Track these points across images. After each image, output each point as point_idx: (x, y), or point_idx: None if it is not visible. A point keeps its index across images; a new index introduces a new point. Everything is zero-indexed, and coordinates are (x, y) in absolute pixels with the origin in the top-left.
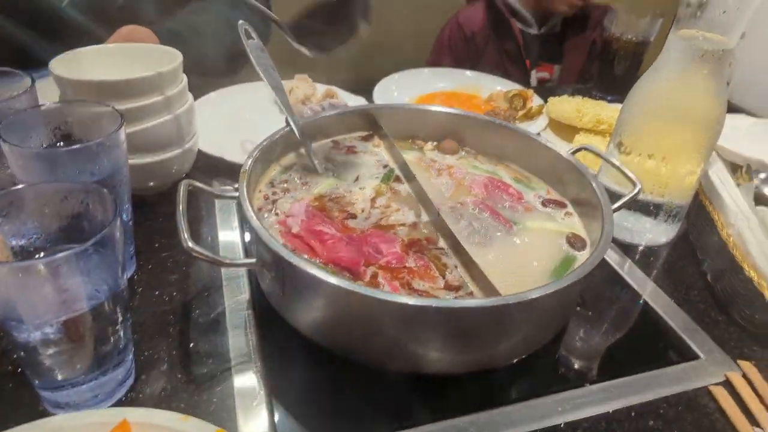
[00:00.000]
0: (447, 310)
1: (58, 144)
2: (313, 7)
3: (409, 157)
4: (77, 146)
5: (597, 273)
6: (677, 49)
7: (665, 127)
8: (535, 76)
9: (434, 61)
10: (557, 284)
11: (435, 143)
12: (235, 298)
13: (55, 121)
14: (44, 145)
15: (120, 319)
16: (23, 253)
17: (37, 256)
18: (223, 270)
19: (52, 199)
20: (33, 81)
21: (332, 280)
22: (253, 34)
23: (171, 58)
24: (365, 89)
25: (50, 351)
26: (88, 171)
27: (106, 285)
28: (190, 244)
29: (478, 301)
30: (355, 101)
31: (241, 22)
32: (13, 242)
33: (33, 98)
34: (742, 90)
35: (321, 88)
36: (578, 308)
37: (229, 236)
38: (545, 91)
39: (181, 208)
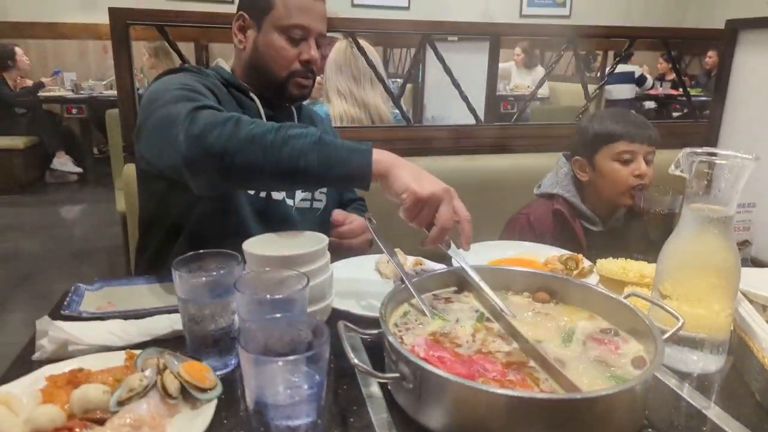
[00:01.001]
0: (540, 400)
1: (266, 296)
2: None
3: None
4: (283, 296)
5: (660, 394)
6: (691, 218)
7: (693, 274)
8: None
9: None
10: (632, 382)
11: (529, 294)
12: (378, 413)
13: (260, 283)
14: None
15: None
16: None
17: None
18: (364, 391)
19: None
20: (240, 260)
21: (460, 380)
22: (374, 220)
23: (320, 240)
24: (443, 258)
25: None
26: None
27: (315, 387)
28: (356, 360)
29: (564, 394)
30: (436, 267)
31: (367, 214)
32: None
33: (239, 270)
34: (766, 249)
35: (410, 259)
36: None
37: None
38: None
39: (343, 338)
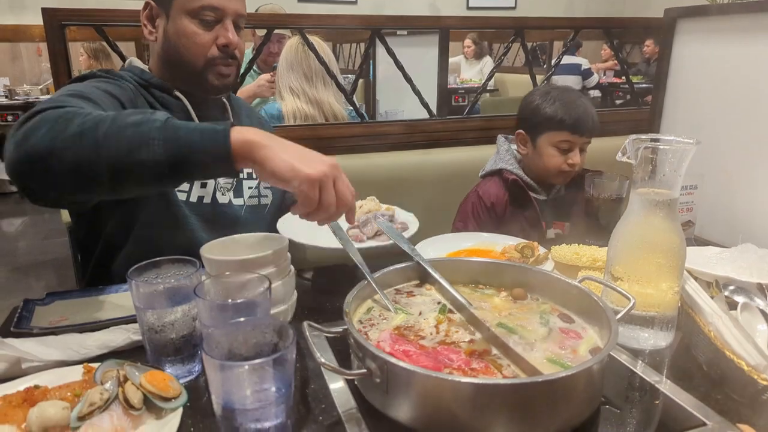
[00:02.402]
0: (503, 386)
1: (228, 301)
2: None
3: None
4: (245, 300)
5: (615, 371)
6: (638, 202)
7: (642, 256)
8: (553, 233)
9: (461, 227)
10: (588, 363)
11: (507, 291)
12: (346, 409)
13: (221, 287)
14: (217, 302)
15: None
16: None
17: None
18: (331, 386)
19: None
20: (198, 265)
21: (426, 371)
22: None
23: (280, 241)
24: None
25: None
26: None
27: (283, 389)
28: (323, 360)
29: (525, 378)
30: (405, 216)
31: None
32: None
33: (198, 276)
34: (708, 227)
35: (384, 205)
36: (606, 405)
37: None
38: (560, 241)
39: (308, 338)
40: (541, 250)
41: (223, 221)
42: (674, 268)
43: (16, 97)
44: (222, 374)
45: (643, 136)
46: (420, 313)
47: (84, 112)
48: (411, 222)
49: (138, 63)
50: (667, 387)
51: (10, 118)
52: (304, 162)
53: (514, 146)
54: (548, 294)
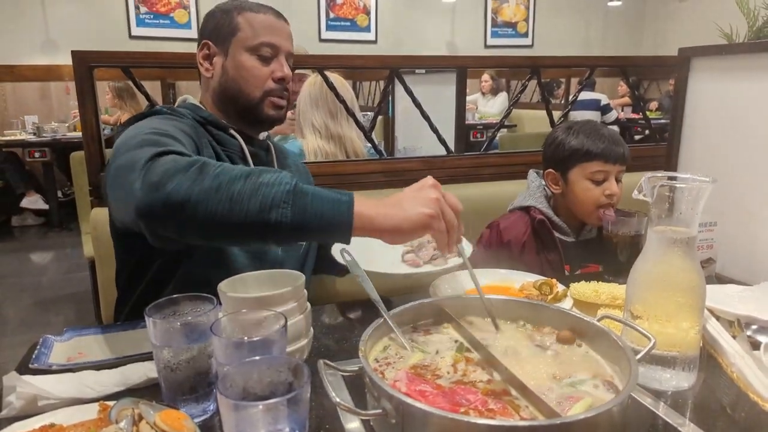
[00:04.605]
0: (521, 428)
1: (243, 338)
2: None
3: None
4: (261, 337)
5: (637, 413)
6: (655, 240)
7: (661, 295)
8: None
9: (472, 256)
10: (608, 404)
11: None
12: None
13: (236, 325)
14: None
15: None
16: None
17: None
18: (346, 426)
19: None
20: (216, 303)
21: (442, 412)
22: (350, 253)
23: (297, 278)
24: None
25: None
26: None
27: (297, 430)
28: (338, 399)
29: (544, 420)
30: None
31: (342, 248)
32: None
33: (215, 313)
34: (729, 264)
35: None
36: None
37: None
38: (577, 279)
39: (324, 376)
40: (560, 288)
41: (266, 258)
42: (694, 307)
43: (44, 135)
44: (236, 414)
45: (659, 174)
46: (437, 352)
47: (212, 162)
48: (464, 244)
49: (192, 100)
50: (690, 430)
51: (37, 154)
52: (415, 207)
53: (545, 182)
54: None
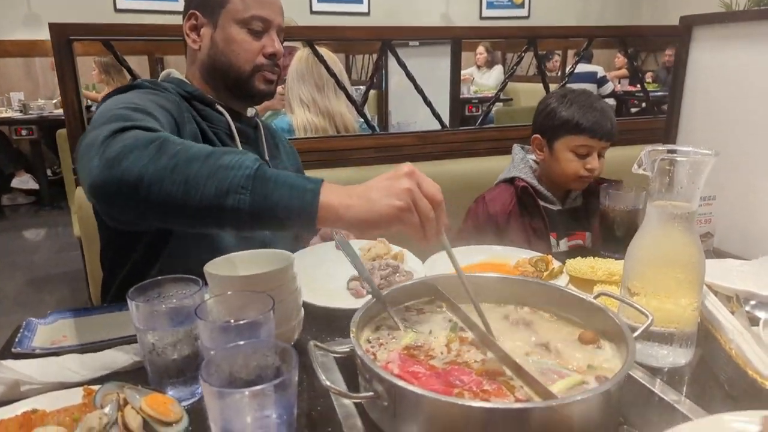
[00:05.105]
0: (516, 410)
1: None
2: None
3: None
4: (247, 320)
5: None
6: (655, 215)
7: (660, 271)
8: (565, 244)
9: (461, 230)
10: (606, 384)
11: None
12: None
13: (223, 307)
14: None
15: None
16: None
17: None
18: (339, 411)
19: (245, 353)
20: (201, 284)
21: (435, 395)
22: (341, 233)
23: (286, 258)
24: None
25: None
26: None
27: (285, 416)
28: (328, 383)
29: (540, 402)
30: (413, 263)
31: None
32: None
33: (201, 296)
34: (727, 239)
35: (395, 248)
36: (624, 426)
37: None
38: (575, 254)
39: (314, 359)
40: (555, 264)
41: (255, 238)
42: (693, 283)
43: (30, 112)
44: (220, 402)
45: (660, 147)
46: (430, 332)
47: (174, 140)
48: (417, 271)
49: (177, 74)
50: (687, 407)
51: (24, 132)
52: (383, 199)
53: (530, 156)
54: (563, 310)
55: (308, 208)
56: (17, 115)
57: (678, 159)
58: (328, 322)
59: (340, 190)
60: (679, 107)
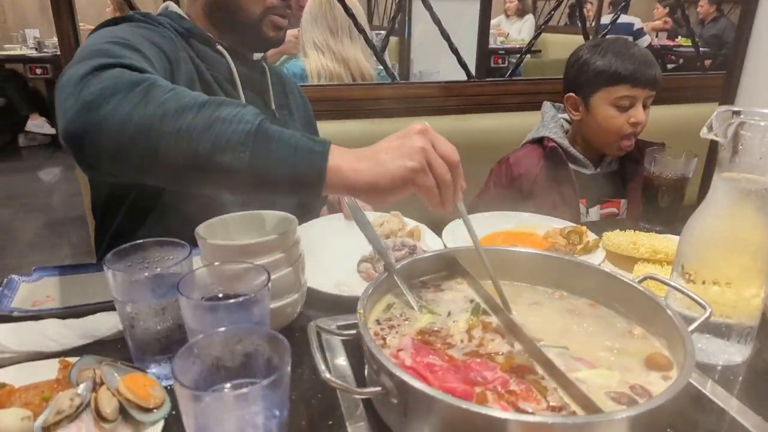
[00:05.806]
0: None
1: (218, 297)
2: None
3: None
4: (241, 299)
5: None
6: (723, 190)
7: (724, 256)
8: (597, 212)
9: (481, 192)
10: (657, 400)
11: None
12: (356, 428)
13: (213, 278)
14: (204, 299)
15: None
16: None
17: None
18: (342, 403)
19: (230, 342)
20: (190, 250)
21: (451, 399)
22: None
23: (289, 222)
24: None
25: None
26: (243, 319)
27: (276, 415)
28: (328, 375)
29: (582, 418)
30: (431, 236)
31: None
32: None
33: (188, 264)
34: None
35: (411, 223)
36: (669, 430)
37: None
38: (610, 224)
39: (314, 346)
40: (590, 237)
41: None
42: (762, 271)
43: (45, 50)
44: (195, 405)
45: (736, 108)
46: (449, 314)
47: (164, 84)
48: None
49: (175, 8)
50: (746, 419)
51: (39, 71)
52: (394, 159)
53: (562, 114)
54: (601, 295)
55: (315, 172)
56: (32, 53)
57: (761, 124)
58: (333, 306)
59: (347, 152)
60: (741, 65)
